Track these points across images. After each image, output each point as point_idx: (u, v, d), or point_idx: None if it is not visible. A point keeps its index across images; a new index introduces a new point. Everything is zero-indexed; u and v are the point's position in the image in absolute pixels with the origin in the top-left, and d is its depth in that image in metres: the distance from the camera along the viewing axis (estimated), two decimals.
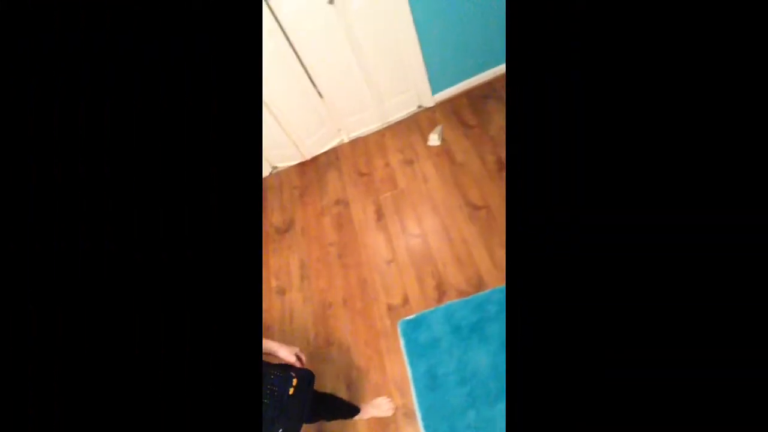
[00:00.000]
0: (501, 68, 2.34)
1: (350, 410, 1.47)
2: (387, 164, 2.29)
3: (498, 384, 1.46)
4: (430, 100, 2.39)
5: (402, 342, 1.67)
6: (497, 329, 1.57)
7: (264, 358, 1.03)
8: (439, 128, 2.27)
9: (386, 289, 1.85)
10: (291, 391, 1.07)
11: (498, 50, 2.26)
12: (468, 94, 2.37)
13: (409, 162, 2.24)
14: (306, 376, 1.16)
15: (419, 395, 1.53)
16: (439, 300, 1.73)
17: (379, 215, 2.10)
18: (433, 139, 2.24)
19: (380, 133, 2.46)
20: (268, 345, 1.12)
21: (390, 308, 1.79)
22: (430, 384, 1.55)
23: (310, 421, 1.26)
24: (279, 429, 1.01)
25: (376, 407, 1.54)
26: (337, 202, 2.24)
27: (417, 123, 2.39)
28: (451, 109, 2.35)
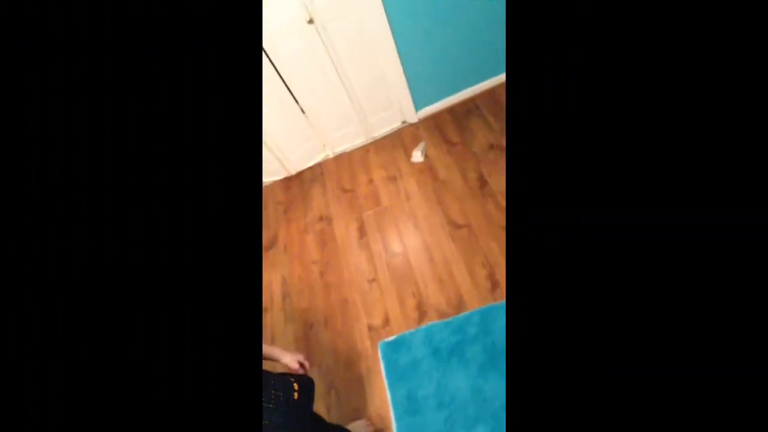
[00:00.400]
0: (483, 84, 2.35)
1: None
2: (371, 180, 2.29)
3: (476, 408, 1.45)
4: (413, 116, 2.40)
5: (382, 364, 1.66)
6: (476, 352, 1.57)
7: (265, 365, 1.01)
8: (422, 145, 2.28)
9: (367, 309, 1.84)
10: (296, 396, 1.05)
11: (480, 67, 2.27)
12: (451, 110, 2.38)
13: (393, 179, 2.23)
14: (306, 381, 1.13)
15: (398, 419, 1.52)
16: (420, 321, 1.72)
17: (362, 233, 2.09)
18: (417, 156, 2.24)
19: (365, 149, 2.45)
20: (271, 351, 1.09)
21: (371, 329, 1.78)
22: (409, 408, 1.54)
23: None
24: None
25: (357, 428, 1.52)
26: (321, 219, 2.23)
27: (401, 139, 2.40)
28: (434, 126, 2.36)
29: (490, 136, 2.17)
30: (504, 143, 2.11)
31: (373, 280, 1.91)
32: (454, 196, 2.03)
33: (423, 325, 1.69)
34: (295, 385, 1.06)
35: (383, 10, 1.88)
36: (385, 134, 2.45)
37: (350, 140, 2.45)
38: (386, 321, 1.77)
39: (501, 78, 2.34)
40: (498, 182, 1.98)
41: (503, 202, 1.91)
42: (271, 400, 0.96)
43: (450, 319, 1.67)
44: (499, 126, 2.19)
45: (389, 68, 2.11)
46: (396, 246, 1.98)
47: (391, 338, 1.71)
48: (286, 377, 1.07)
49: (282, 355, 1.09)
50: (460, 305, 1.70)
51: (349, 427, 1.53)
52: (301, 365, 1.12)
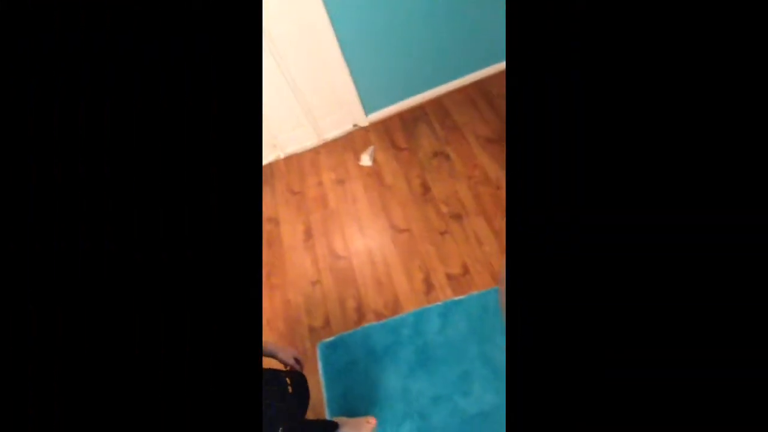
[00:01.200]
0: (433, 92, 2.43)
1: (328, 428, 1.44)
2: (320, 183, 2.32)
3: (405, 406, 1.54)
4: (364, 119, 2.44)
5: (320, 365, 1.72)
6: (408, 352, 1.65)
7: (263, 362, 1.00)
8: (371, 149, 2.33)
9: (309, 310, 1.88)
10: (290, 390, 1.05)
11: (428, 75, 2.34)
12: (401, 116, 2.44)
13: (341, 181, 2.28)
14: (298, 378, 1.13)
15: (332, 418, 1.58)
16: (358, 322, 1.79)
17: (308, 235, 2.12)
18: (365, 160, 2.29)
19: (315, 151, 2.47)
20: (267, 347, 1.08)
21: (311, 330, 1.83)
22: (343, 406, 1.61)
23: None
24: (279, 428, 0.99)
25: (355, 425, 1.51)
26: (269, 221, 2.24)
27: (351, 142, 2.44)
28: (384, 130, 2.41)
29: (435, 144, 2.25)
30: (447, 151, 2.19)
31: (317, 282, 1.95)
32: (398, 201, 2.10)
33: (361, 327, 1.76)
34: (288, 380, 1.07)
35: (328, 18, 1.90)
36: (337, 137, 2.48)
37: (301, 142, 2.46)
38: (327, 322, 1.83)
39: (448, 86, 2.43)
40: (439, 189, 2.07)
41: (443, 209, 2.00)
42: (266, 395, 0.96)
43: (386, 320, 1.75)
44: (444, 134, 2.27)
45: (336, 73, 2.14)
46: (340, 249, 2.03)
47: (330, 339, 1.76)
48: (278, 373, 1.06)
49: (277, 351, 1.09)
50: (396, 307, 1.78)
51: (350, 422, 1.51)
52: (297, 361, 1.11)
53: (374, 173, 2.25)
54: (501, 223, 1.87)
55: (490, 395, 1.48)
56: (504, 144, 2.12)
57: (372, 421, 1.53)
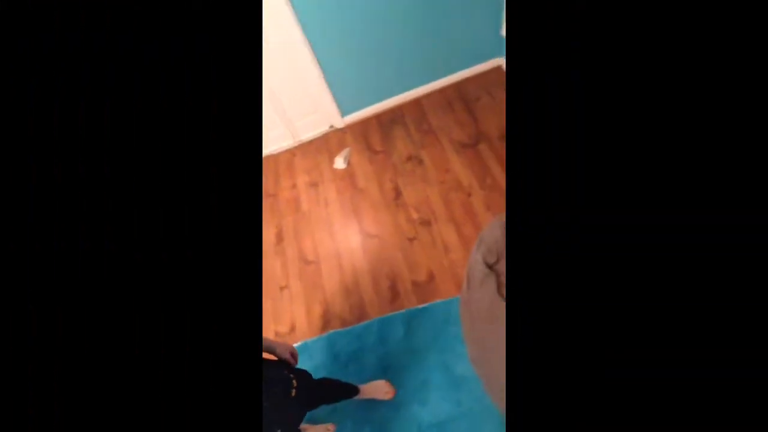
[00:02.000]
0: (410, 93, 2.40)
1: (349, 390, 1.45)
2: (294, 185, 2.30)
3: (364, 413, 1.55)
4: (340, 121, 2.42)
5: None
6: (372, 359, 1.66)
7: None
8: (346, 151, 2.31)
9: (276, 315, 1.89)
10: (293, 393, 1.04)
11: (406, 77, 2.31)
12: (378, 117, 2.42)
13: (315, 184, 2.26)
14: (305, 377, 1.12)
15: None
16: (324, 329, 1.79)
17: (279, 239, 2.12)
18: (339, 162, 2.28)
19: (291, 152, 2.46)
20: (264, 342, 1.07)
21: (277, 335, 1.83)
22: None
23: (314, 407, 1.25)
24: (278, 430, 0.99)
25: (375, 389, 1.53)
26: None
27: (327, 144, 2.42)
28: (360, 132, 2.39)
29: (411, 147, 2.23)
30: (421, 155, 2.18)
31: (285, 287, 1.95)
32: (370, 205, 2.09)
33: (326, 333, 1.77)
34: (294, 382, 1.06)
35: (297, 22, 1.87)
36: (312, 138, 2.46)
37: (277, 143, 2.44)
38: (293, 328, 1.83)
39: (427, 87, 2.40)
40: (411, 194, 2.06)
41: (413, 214, 1.99)
42: (265, 398, 0.95)
43: (351, 327, 1.75)
44: (419, 137, 2.25)
45: (309, 76, 2.11)
46: (310, 254, 2.02)
47: (295, 345, 1.77)
48: (285, 373, 1.06)
49: (275, 347, 1.09)
50: (361, 314, 1.78)
51: (370, 384, 1.53)
52: (292, 355, 1.11)
53: (348, 176, 2.23)
54: (469, 231, 1.86)
55: (447, 405, 1.49)
56: (477, 149, 2.10)
57: (330, 428, 1.54)
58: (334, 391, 1.39)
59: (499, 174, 1.99)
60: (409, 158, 2.19)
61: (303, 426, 1.53)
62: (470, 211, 1.93)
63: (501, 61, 2.35)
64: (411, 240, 1.92)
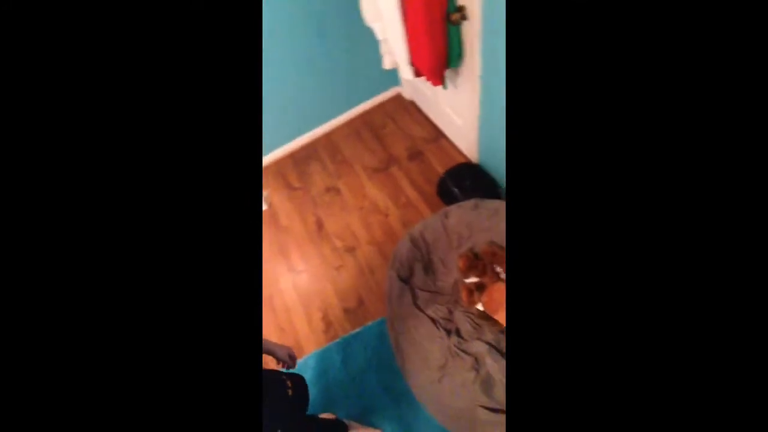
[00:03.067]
0: (319, 130, 2.51)
1: (337, 427, 1.40)
2: None
3: None
4: None
5: None
6: (314, 395, 1.65)
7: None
8: (265, 193, 2.33)
9: None
10: (289, 393, 1.03)
11: (313, 115, 2.42)
12: (292, 156, 2.48)
13: None
14: (298, 380, 1.11)
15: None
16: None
17: None
18: None
19: None
20: (264, 344, 1.05)
21: None
22: None
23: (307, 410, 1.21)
24: (278, 430, 0.96)
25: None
26: None
27: None
28: (277, 171, 2.44)
29: (327, 179, 2.31)
30: (338, 185, 2.26)
31: None
32: (295, 241, 2.12)
33: None
34: (288, 383, 1.05)
35: None
36: None
37: None
38: None
39: (335, 122, 2.52)
40: (332, 224, 2.12)
41: (337, 243, 2.05)
42: (264, 400, 0.93)
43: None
44: (334, 168, 2.35)
45: None
46: None
47: None
48: (279, 375, 1.05)
49: (275, 349, 1.07)
50: (298, 351, 1.78)
51: (362, 429, 1.49)
52: (291, 357, 1.10)
53: (270, 217, 2.25)
54: (391, 249, 1.95)
55: (389, 424, 1.52)
56: (389, 172, 2.23)
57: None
58: (323, 426, 1.39)
59: (411, 192, 2.13)
60: (327, 190, 2.27)
61: (348, 422, 1.50)
62: (389, 231, 2.03)
63: (399, 89, 2.55)
64: (338, 268, 1.97)
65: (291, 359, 1.13)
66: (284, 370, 1.13)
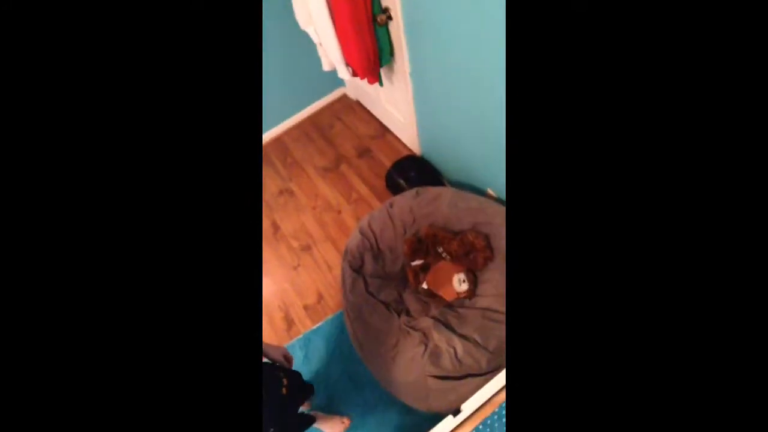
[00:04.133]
0: (269, 134, 2.53)
1: (303, 419, 1.42)
2: None
3: None
4: None
5: None
6: None
7: None
8: None
9: None
10: (284, 390, 1.04)
11: (263, 119, 2.42)
12: None
13: None
14: (295, 377, 1.12)
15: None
16: None
17: None
18: None
19: None
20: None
21: None
22: None
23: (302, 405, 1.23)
24: (270, 429, 0.97)
25: (327, 423, 1.50)
26: None
27: None
28: None
29: (280, 182, 2.34)
30: (291, 187, 2.30)
31: None
32: None
33: None
34: (285, 380, 1.05)
35: None
36: None
37: None
38: None
39: (284, 126, 2.55)
40: (288, 225, 2.16)
41: (293, 243, 2.09)
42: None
43: None
44: (286, 171, 2.38)
45: None
46: None
47: None
48: (276, 372, 1.05)
49: (269, 350, 1.07)
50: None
51: (324, 418, 1.50)
52: (286, 359, 1.10)
53: None
54: (344, 243, 2.02)
55: (355, 410, 1.59)
56: (339, 170, 2.30)
57: (346, 421, 1.55)
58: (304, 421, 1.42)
59: (361, 187, 2.21)
60: (281, 192, 2.30)
61: (315, 413, 1.53)
62: (343, 227, 2.09)
63: (345, 90, 2.62)
64: (296, 268, 2.01)
65: (286, 360, 1.14)
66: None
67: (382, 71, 1.81)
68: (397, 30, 1.53)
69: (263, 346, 1.11)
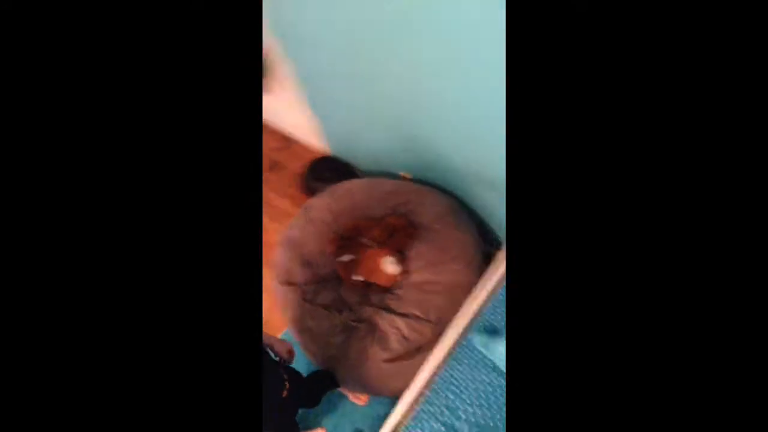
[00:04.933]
0: None
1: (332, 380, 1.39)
2: None
3: None
4: None
5: None
6: None
7: None
8: None
9: None
10: (284, 393, 1.01)
11: None
12: None
13: None
14: (296, 377, 1.11)
15: None
16: None
17: None
18: None
19: None
20: (265, 338, 1.03)
21: None
22: None
23: (304, 407, 1.25)
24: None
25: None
26: None
27: None
28: None
29: None
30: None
31: None
32: None
33: None
34: (287, 383, 1.03)
35: None
36: None
37: None
38: None
39: None
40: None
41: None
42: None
43: None
44: None
45: None
46: None
47: None
48: (279, 372, 1.03)
49: (275, 343, 1.05)
50: None
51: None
52: (289, 353, 1.08)
53: None
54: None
55: (328, 421, 1.56)
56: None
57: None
58: (318, 386, 1.38)
59: (280, 201, 2.16)
60: None
61: None
62: (273, 246, 2.03)
63: None
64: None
65: (289, 354, 1.11)
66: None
67: (272, 80, 1.78)
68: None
69: (269, 339, 1.07)
